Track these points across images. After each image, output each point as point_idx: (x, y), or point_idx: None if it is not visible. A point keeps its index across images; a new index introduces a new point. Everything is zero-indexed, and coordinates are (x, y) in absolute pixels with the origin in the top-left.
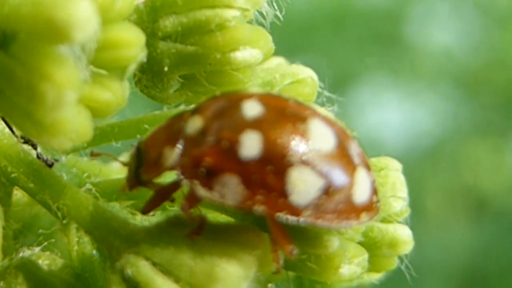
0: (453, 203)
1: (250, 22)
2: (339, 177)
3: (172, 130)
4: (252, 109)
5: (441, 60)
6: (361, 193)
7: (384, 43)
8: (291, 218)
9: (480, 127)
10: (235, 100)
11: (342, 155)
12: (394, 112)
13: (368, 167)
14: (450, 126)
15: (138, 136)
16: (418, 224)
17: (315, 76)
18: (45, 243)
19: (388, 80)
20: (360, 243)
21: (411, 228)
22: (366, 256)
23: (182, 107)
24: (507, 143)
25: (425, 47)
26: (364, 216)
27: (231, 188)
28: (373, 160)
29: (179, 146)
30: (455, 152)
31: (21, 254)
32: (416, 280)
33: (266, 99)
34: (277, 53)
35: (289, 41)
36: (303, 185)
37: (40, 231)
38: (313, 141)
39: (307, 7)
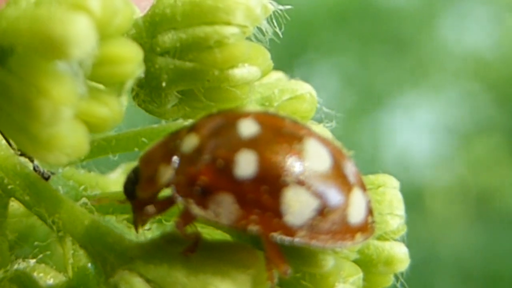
0: (455, 201)
1: (249, 38)
2: (334, 197)
3: (167, 148)
4: (248, 128)
5: (470, 65)
6: (356, 214)
7: (403, 45)
8: (286, 238)
9: (484, 125)
10: (231, 118)
11: (337, 175)
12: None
13: (363, 187)
14: (455, 125)
15: (136, 149)
16: (420, 222)
17: (314, 92)
18: (41, 256)
19: (414, 90)
20: (356, 260)
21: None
22: (361, 275)
23: (180, 121)
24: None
25: (455, 52)
26: (359, 237)
27: (226, 207)
28: (371, 178)
29: (175, 164)
30: (459, 150)
31: (16, 266)
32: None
33: (263, 118)
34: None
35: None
36: (298, 205)
37: (36, 243)
38: (308, 161)
39: (317, 7)
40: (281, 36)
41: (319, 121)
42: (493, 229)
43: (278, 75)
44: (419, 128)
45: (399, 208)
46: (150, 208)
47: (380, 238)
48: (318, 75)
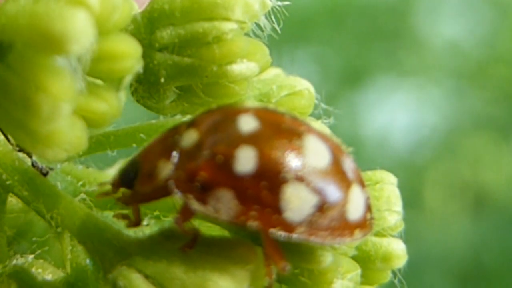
0: (453, 197)
1: (247, 34)
2: (333, 194)
3: (167, 143)
4: (247, 124)
5: (446, 54)
6: (355, 210)
7: (388, 37)
8: (285, 234)
9: (482, 121)
10: (231, 114)
11: (336, 171)
12: (400, 108)
13: (362, 183)
14: (452, 121)
15: (134, 145)
16: (417, 218)
17: (312, 89)
18: (39, 251)
19: (394, 76)
20: (353, 256)
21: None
22: (359, 271)
23: (178, 117)
24: (507, 138)
25: (430, 41)
26: (357, 233)
27: (225, 203)
28: (369, 174)
29: (174, 160)
30: (455, 147)
31: (14, 262)
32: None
33: (262, 113)
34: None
35: (293, 33)
36: (297, 202)
37: (34, 238)
38: (308, 158)
39: (312, 1)
40: (279, 32)
41: (317, 117)
42: (489, 226)
43: (276, 71)
44: (396, 110)
45: (397, 204)
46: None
47: (378, 234)
48: (296, 63)
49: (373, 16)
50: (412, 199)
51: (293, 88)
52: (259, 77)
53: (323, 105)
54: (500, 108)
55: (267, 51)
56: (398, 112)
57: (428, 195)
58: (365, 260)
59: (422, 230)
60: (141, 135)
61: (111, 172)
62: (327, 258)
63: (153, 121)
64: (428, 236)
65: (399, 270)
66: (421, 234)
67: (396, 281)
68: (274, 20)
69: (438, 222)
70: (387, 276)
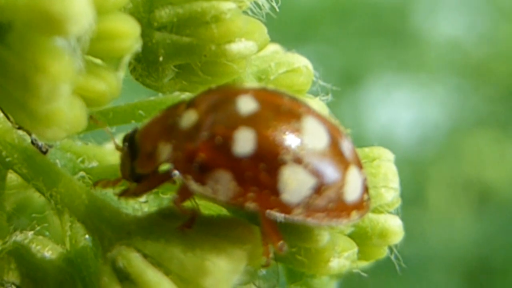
0: (457, 195)
1: (245, 12)
2: (330, 176)
3: (166, 124)
4: (246, 105)
5: (447, 52)
6: (352, 192)
7: (390, 35)
8: (282, 216)
9: (484, 119)
10: (230, 95)
11: (334, 153)
12: (402, 106)
13: (360, 165)
14: (455, 118)
15: (133, 121)
16: (421, 216)
17: (310, 65)
18: (38, 227)
19: (395, 74)
20: (350, 233)
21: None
22: (355, 249)
23: (177, 93)
24: (510, 135)
25: (431, 39)
26: (354, 214)
27: (224, 184)
28: (366, 150)
29: (173, 140)
30: (458, 144)
31: (14, 238)
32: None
33: (261, 95)
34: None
35: (296, 32)
36: (295, 184)
37: (33, 215)
38: (306, 139)
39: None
40: (277, 10)
41: (315, 94)
42: (492, 223)
43: (275, 47)
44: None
45: (394, 181)
46: (146, 185)
47: (375, 210)
48: None
49: (375, 14)
50: (415, 197)
51: (291, 65)
52: (257, 54)
53: (321, 82)
54: (502, 105)
55: (265, 29)
56: (401, 110)
57: (431, 193)
58: (362, 236)
59: (426, 227)
60: (140, 111)
61: (110, 147)
62: (324, 237)
63: (152, 98)
64: (432, 233)
65: (395, 246)
66: (425, 231)
67: (392, 257)
68: None
69: (442, 219)
70: (384, 252)
